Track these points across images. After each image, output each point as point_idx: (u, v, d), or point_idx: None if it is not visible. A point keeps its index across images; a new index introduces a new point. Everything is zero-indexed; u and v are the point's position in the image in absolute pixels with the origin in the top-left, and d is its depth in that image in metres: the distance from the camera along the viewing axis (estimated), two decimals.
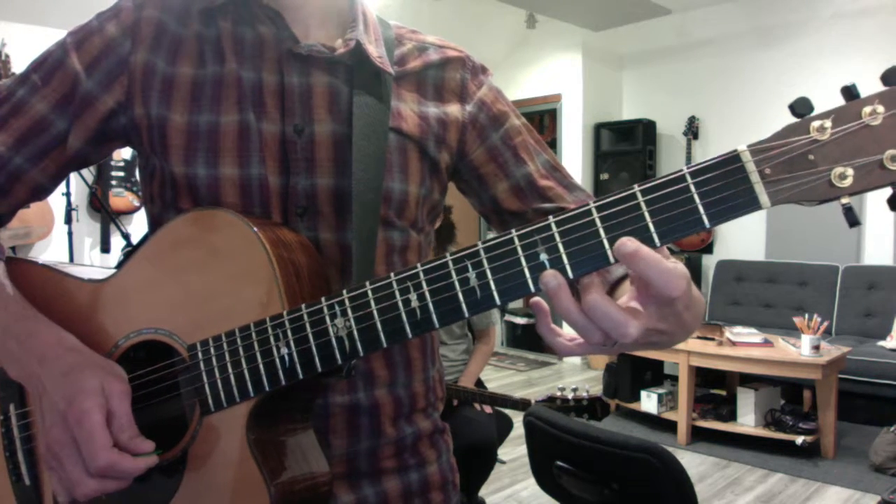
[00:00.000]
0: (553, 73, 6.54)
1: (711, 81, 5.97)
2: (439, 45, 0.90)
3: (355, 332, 0.62)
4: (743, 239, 5.66)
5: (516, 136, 0.90)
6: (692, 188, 0.52)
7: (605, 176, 6.34)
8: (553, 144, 6.66)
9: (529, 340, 7.02)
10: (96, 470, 0.64)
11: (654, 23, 6.16)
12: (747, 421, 4.06)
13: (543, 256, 0.55)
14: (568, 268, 0.54)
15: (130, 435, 0.67)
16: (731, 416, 4.16)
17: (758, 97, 5.56)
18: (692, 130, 5.95)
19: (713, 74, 5.95)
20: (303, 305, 0.64)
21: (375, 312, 0.61)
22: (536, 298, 0.56)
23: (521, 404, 2.51)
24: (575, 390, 2.30)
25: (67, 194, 4.17)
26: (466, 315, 0.58)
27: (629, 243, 0.51)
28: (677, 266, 0.53)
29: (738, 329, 4.27)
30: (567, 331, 0.59)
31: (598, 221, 0.54)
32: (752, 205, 0.51)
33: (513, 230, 0.56)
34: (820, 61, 5.23)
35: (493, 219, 0.92)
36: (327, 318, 0.63)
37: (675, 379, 4.38)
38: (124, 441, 0.66)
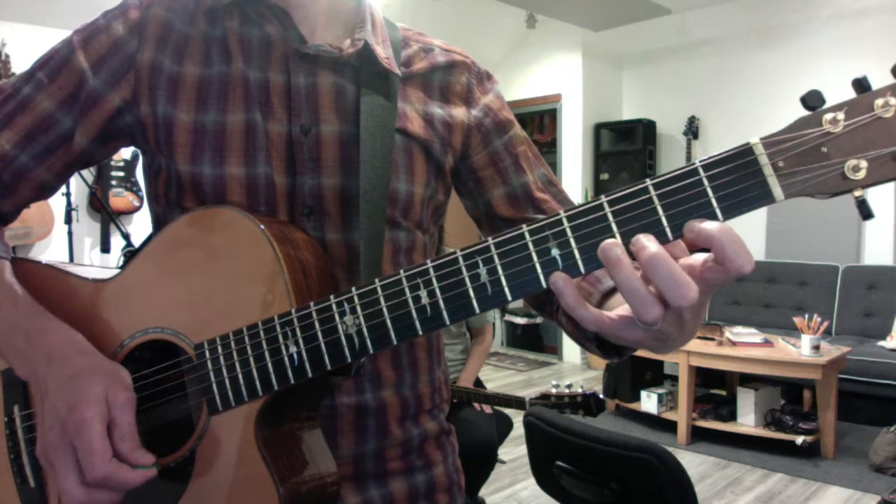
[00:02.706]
0: (553, 73, 6.54)
1: (711, 81, 5.97)
2: (445, 48, 0.91)
3: (365, 330, 0.61)
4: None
5: (519, 146, 0.90)
6: (705, 181, 0.51)
7: (605, 176, 6.34)
8: (553, 144, 6.67)
9: (529, 340, 7.02)
10: (93, 480, 0.63)
11: (654, 23, 6.16)
12: (747, 421, 4.07)
13: (555, 251, 0.54)
14: (580, 262, 0.54)
15: (131, 446, 0.65)
16: (731, 416, 4.16)
17: (758, 97, 5.56)
18: (692, 130, 5.95)
19: (713, 74, 5.95)
20: (311, 303, 0.64)
21: (385, 310, 0.60)
22: (557, 274, 0.53)
23: (515, 402, 2.51)
24: (569, 387, 2.30)
25: (67, 194, 4.17)
26: (477, 311, 0.57)
27: (693, 221, 0.50)
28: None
29: (738, 329, 4.27)
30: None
31: (610, 216, 0.53)
32: (766, 198, 0.50)
33: (524, 225, 0.56)
34: (820, 61, 5.23)
35: (485, 223, 0.92)
36: (336, 316, 0.62)
37: (675, 379, 4.38)
38: (124, 452, 0.64)
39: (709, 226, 0.50)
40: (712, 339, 4.11)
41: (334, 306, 0.63)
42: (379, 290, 0.61)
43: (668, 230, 0.52)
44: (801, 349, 3.80)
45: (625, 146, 6.31)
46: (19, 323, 0.72)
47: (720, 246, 0.49)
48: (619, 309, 0.56)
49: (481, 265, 0.56)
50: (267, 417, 0.68)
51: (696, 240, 0.50)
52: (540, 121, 7.08)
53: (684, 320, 0.55)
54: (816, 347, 3.76)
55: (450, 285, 0.58)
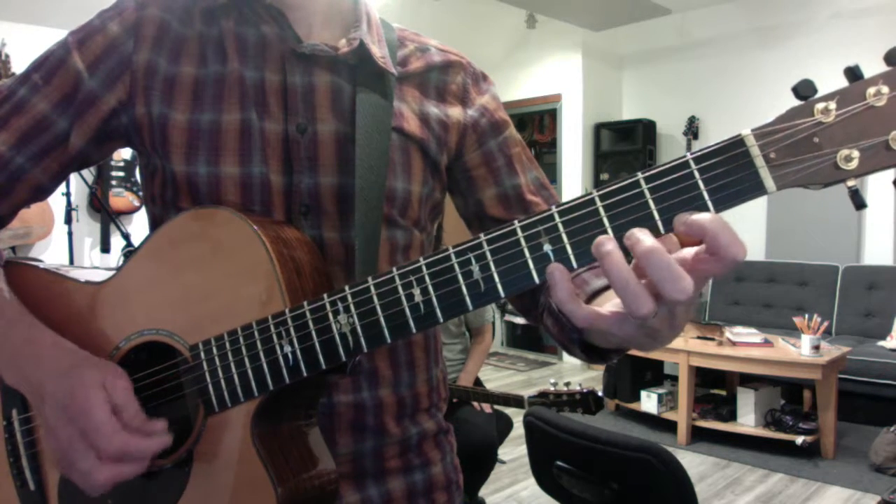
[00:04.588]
0: (553, 73, 6.54)
1: (711, 81, 5.97)
2: (441, 48, 0.91)
3: (359, 328, 0.61)
4: (743, 238, 5.59)
5: (513, 147, 0.90)
6: (696, 174, 0.51)
7: (605, 176, 6.34)
8: (553, 144, 6.67)
9: (529, 340, 7.02)
10: (109, 455, 0.64)
11: (654, 23, 6.16)
12: (747, 421, 4.07)
13: (547, 247, 0.54)
14: (572, 258, 0.53)
15: (140, 421, 0.66)
16: (731, 416, 4.16)
17: (758, 97, 5.55)
18: (692, 130, 5.95)
19: (713, 74, 5.95)
20: (305, 303, 0.64)
21: (378, 308, 0.60)
22: (554, 265, 0.53)
23: (513, 400, 2.51)
24: (567, 384, 2.30)
25: (67, 194, 4.17)
26: (471, 308, 0.57)
27: (683, 214, 0.50)
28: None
29: (738, 329, 4.27)
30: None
31: (601, 210, 0.53)
32: (758, 189, 0.50)
33: (516, 221, 0.55)
34: (820, 61, 5.23)
35: (475, 223, 0.92)
36: (330, 315, 0.62)
37: (675, 379, 4.37)
38: (135, 427, 0.66)
39: (700, 217, 0.49)
40: (712, 339, 4.11)
41: (328, 305, 0.62)
42: (372, 288, 0.61)
43: (659, 223, 0.52)
44: (801, 349, 3.80)
45: (625, 146, 6.31)
46: (6, 332, 0.72)
47: (713, 236, 0.49)
48: (609, 304, 0.56)
49: (474, 262, 0.56)
50: (264, 417, 0.68)
51: (687, 232, 0.50)
52: (540, 121, 7.08)
53: (676, 316, 0.55)
54: (816, 347, 3.76)
55: (442, 282, 0.58)
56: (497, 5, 5.58)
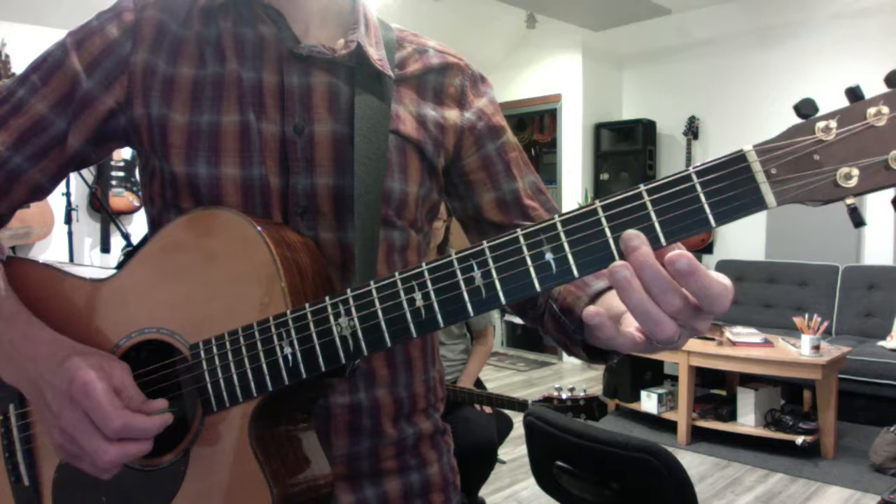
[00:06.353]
0: (553, 73, 6.54)
1: (711, 81, 5.97)
2: (439, 49, 0.91)
3: (359, 332, 0.61)
4: (743, 239, 5.66)
5: (511, 152, 0.91)
6: (698, 188, 0.52)
7: (605, 176, 6.34)
8: (553, 144, 6.67)
9: (529, 340, 7.02)
10: (113, 432, 0.64)
11: (654, 23, 6.16)
12: (747, 421, 4.07)
13: (549, 256, 0.55)
14: (573, 267, 0.54)
15: (140, 400, 0.67)
16: (731, 416, 4.16)
17: (758, 97, 5.56)
18: (692, 130, 5.95)
19: (713, 74, 5.95)
20: (306, 305, 0.64)
21: (380, 312, 0.61)
22: (593, 309, 0.55)
23: (518, 405, 2.50)
24: (572, 390, 2.29)
25: (67, 194, 4.17)
26: (472, 314, 0.58)
27: (683, 258, 0.51)
28: (727, 285, 0.52)
29: (738, 329, 4.27)
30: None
31: (603, 221, 0.53)
32: (758, 205, 0.51)
33: (518, 230, 0.56)
34: (820, 61, 5.23)
35: (472, 226, 0.92)
36: (331, 318, 0.63)
37: (675, 379, 4.38)
38: (136, 407, 0.66)
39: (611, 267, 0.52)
40: (712, 339, 4.11)
41: (329, 308, 0.63)
42: (374, 291, 0.61)
43: (661, 236, 0.52)
44: (801, 349, 3.80)
45: (625, 146, 6.31)
46: (5, 330, 0.73)
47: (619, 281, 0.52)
48: (633, 326, 0.58)
49: (476, 268, 0.57)
50: (261, 418, 0.68)
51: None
52: (540, 121, 7.08)
53: (696, 329, 0.56)
54: (816, 347, 3.76)
55: (444, 288, 0.58)
56: (497, 5, 5.58)
